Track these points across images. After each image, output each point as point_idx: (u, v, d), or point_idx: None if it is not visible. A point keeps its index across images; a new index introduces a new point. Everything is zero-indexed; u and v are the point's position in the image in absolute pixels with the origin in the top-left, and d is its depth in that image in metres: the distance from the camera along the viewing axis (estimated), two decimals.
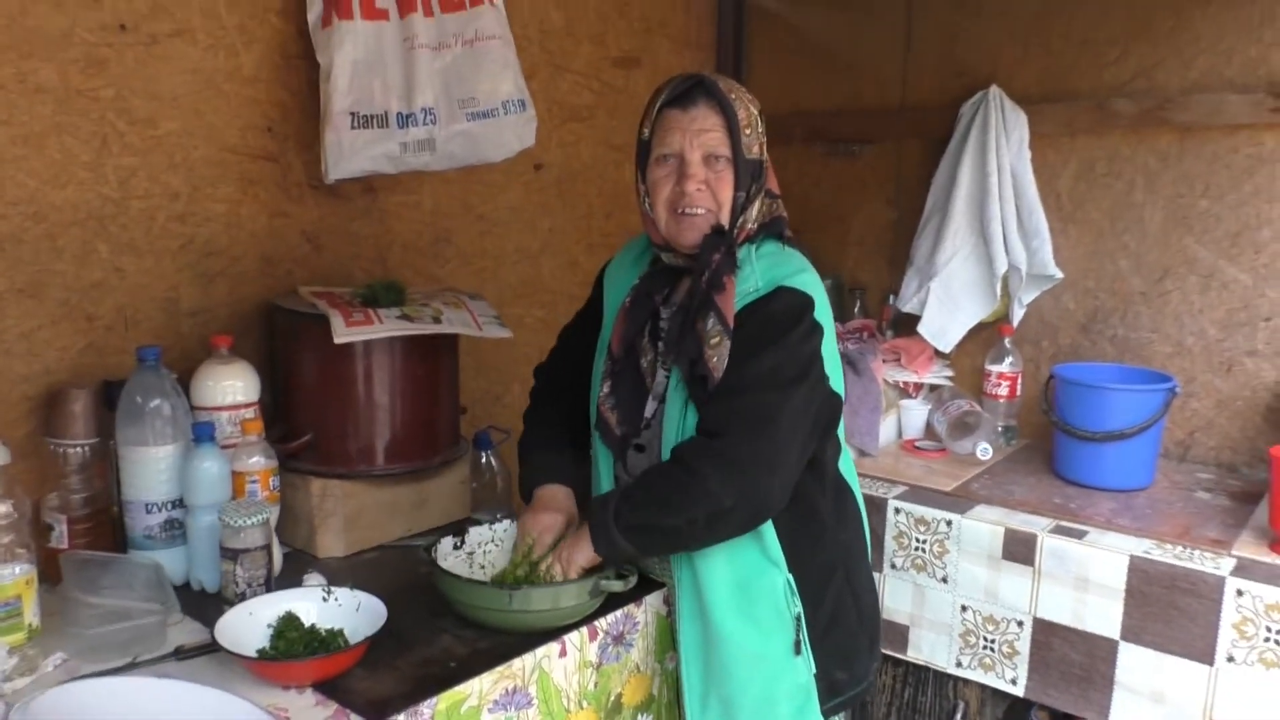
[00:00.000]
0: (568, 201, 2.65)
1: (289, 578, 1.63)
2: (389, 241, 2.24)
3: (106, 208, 1.80)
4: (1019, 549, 2.01)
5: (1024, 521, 2.05)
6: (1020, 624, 2.02)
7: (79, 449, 1.66)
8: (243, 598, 1.51)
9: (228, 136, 1.95)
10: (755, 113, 1.57)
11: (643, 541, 1.50)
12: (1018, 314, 2.58)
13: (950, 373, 2.64)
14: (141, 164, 1.84)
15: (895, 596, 2.17)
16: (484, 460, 2.12)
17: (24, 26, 1.68)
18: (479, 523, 1.72)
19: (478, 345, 1.94)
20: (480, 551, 1.66)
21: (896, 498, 2.19)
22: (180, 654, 1.41)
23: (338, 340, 1.70)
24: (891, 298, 2.78)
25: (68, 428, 1.66)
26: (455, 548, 1.64)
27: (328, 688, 1.33)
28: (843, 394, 1.61)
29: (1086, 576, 1.93)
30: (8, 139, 1.67)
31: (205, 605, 1.57)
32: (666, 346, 1.58)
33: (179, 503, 1.65)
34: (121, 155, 1.81)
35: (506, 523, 1.69)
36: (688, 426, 1.53)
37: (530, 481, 1.69)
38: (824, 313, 1.55)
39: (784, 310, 1.52)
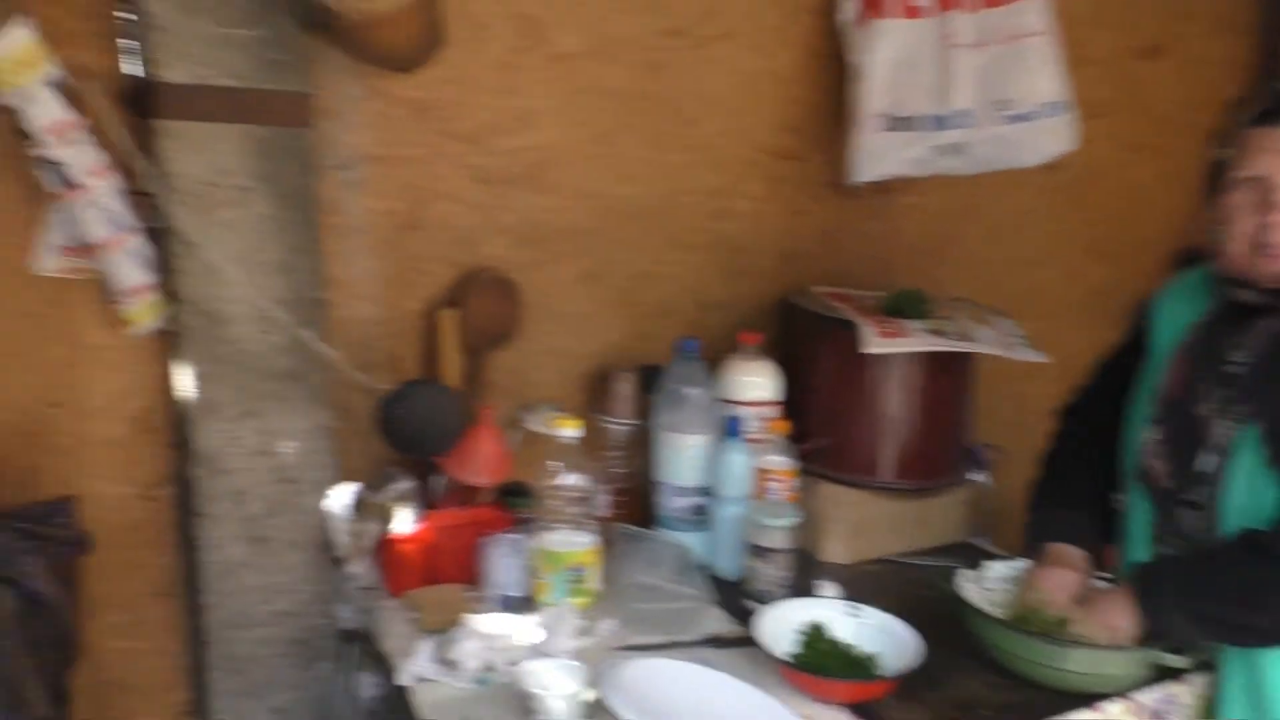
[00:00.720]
0: (1077, 206, 2.44)
1: (794, 576, 1.66)
2: (897, 243, 2.21)
3: (659, 203, 1.93)
4: None
5: None
6: None
7: (622, 427, 1.82)
8: (764, 595, 1.57)
9: (759, 135, 2.02)
10: None
11: (1206, 630, 1.36)
12: None
13: None
14: (689, 162, 1.95)
15: None
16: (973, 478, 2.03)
17: (603, 33, 1.83)
18: (994, 557, 1.65)
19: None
20: (997, 590, 1.59)
21: None
22: (717, 643, 1.49)
23: (868, 350, 1.69)
24: None
25: (614, 406, 1.83)
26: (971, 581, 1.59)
27: (860, 710, 1.34)
28: None
29: None
30: (588, 137, 1.85)
31: (722, 592, 1.64)
32: (1241, 395, 1.40)
33: (705, 489, 1.75)
34: (672, 153, 1.93)
35: (1025, 563, 1.61)
36: (1264, 495, 1.34)
37: (1043, 534, 1.58)
38: None
39: None
